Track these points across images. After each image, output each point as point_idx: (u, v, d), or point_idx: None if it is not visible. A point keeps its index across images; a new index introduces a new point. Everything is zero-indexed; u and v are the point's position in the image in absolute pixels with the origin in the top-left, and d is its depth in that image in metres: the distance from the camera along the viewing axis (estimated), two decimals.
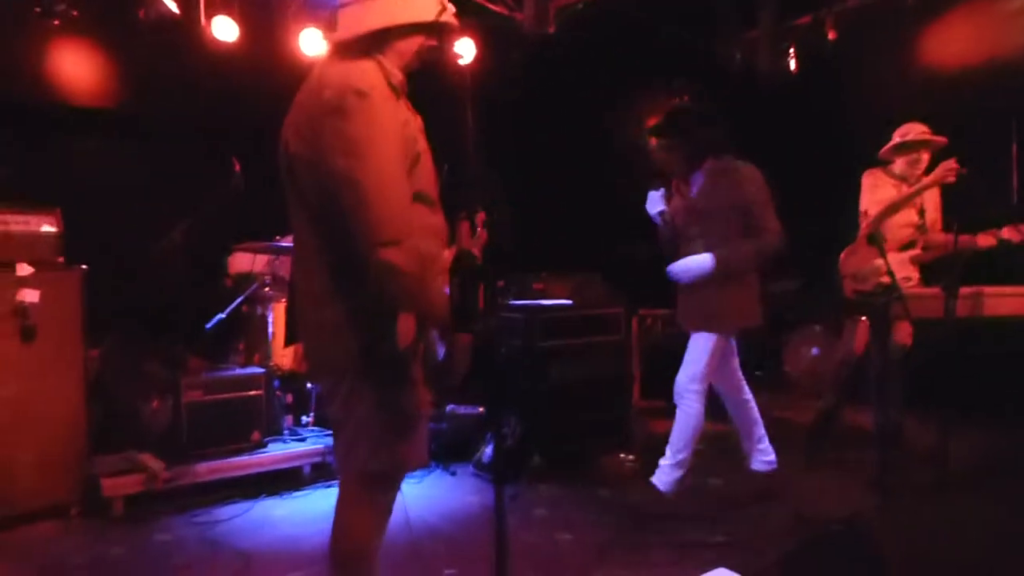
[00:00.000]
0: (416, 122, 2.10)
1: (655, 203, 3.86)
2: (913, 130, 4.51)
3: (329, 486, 4.19)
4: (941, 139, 4.49)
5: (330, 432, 3.97)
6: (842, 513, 3.45)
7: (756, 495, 3.95)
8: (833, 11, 5.97)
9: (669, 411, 4.01)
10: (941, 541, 2.51)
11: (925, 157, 4.53)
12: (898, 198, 4.46)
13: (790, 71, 6.35)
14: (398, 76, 2.06)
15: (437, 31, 2.13)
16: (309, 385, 4.75)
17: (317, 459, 4.31)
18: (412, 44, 2.09)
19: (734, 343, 3.93)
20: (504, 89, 6.00)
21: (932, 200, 4.56)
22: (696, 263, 3.68)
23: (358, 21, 2.01)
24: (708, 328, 3.72)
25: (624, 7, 6.15)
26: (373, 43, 2.03)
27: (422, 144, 2.08)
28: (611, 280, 5.28)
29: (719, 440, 5.13)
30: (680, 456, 3.73)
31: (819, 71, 6.31)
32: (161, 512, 3.84)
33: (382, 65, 2.02)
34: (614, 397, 4.84)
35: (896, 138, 4.54)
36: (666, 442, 3.79)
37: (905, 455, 4.30)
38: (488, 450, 4.39)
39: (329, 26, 2.05)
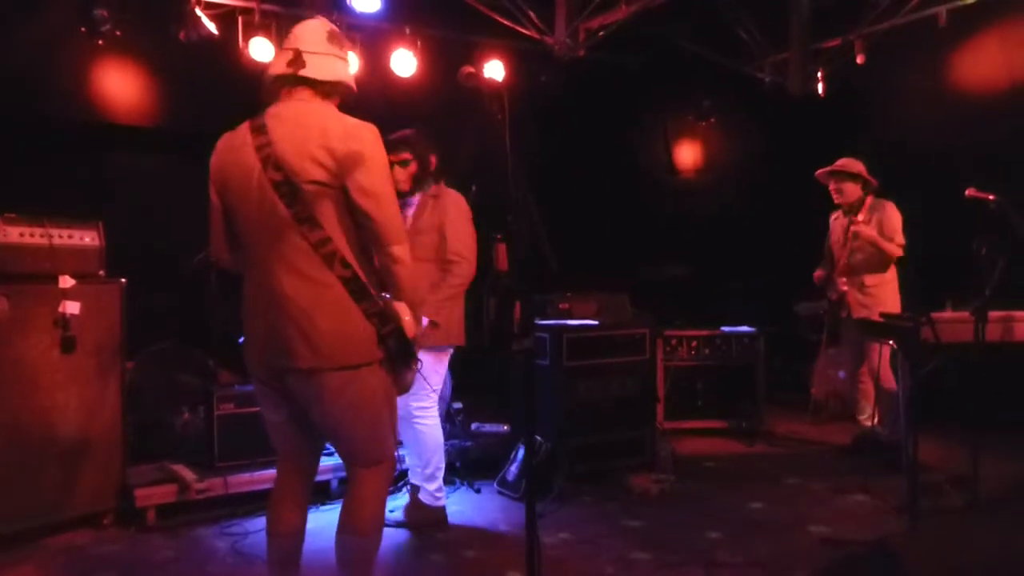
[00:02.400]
0: None
1: None
2: (849, 165, 4.87)
3: None
4: (872, 180, 4.84)
5: None
6: (870, 537, 3.43)
7: (784, 517, 3.94)
8: (862, 33, 5.95)
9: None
10: (970, 565, 2.50)
11: (851, 189, 4.88)
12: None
13: (818, 94, 6.36)
14: None
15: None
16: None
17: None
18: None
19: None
20: (533, 111, 6.07)
21: (873, 220, 4.82)
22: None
23: (330, 71, 2.41)
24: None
25: (654, 30, 6.21)
26: (335, 91, 2.47)
27: None
28: (637, 301, 5.30)
29: (749, 461, 5.11)
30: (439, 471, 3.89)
31: (848, 94, 6.32)
32: (193, 522, 3.90)
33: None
34: (639, 417, 4.85)
35: (835, 166, 4.91)
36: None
37: (936, 480, 4.26)
38: (513, 468, 4.41)
39: (296, 63, 2.37)
